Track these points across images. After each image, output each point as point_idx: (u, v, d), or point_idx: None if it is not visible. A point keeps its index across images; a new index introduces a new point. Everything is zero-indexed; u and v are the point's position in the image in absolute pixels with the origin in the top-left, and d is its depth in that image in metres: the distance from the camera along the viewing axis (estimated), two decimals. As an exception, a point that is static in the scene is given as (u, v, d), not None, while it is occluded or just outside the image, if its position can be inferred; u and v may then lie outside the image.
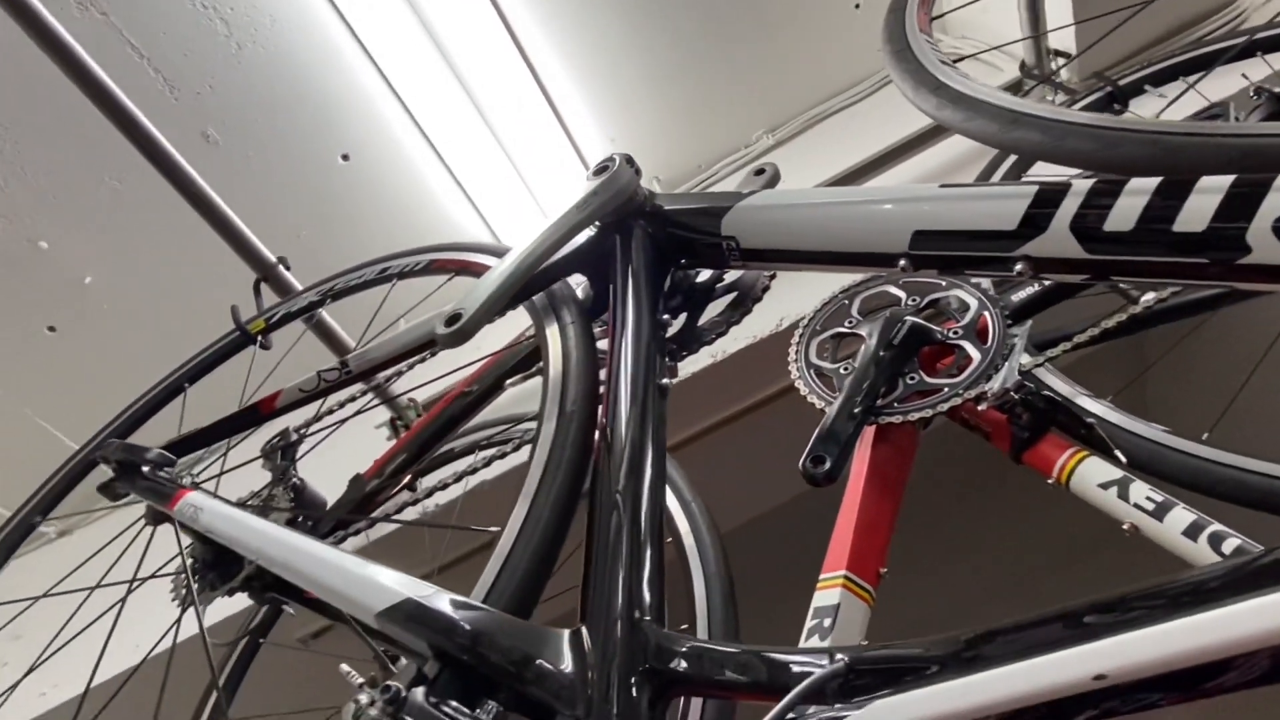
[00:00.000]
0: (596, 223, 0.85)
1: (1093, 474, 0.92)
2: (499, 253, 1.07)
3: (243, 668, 1.20)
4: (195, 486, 0.82)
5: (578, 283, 0.93)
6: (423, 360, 0.94)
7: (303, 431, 1.06)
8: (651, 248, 0.85)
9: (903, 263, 0.67)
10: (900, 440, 1.07)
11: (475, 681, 0.52)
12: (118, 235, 1.92)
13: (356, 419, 1.13)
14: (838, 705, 0.42)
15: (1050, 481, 0.96)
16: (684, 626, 0.98)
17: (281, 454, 0.99)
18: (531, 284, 0.84)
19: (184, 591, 0.85)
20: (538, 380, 0.78)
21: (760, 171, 0.95)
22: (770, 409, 1.51)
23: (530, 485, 0.66)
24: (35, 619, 1.09)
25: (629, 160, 0.85)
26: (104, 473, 0.93)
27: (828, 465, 0.95)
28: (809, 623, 0.91)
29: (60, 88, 1.57)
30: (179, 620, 0.84)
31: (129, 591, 0.84)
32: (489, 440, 1.17)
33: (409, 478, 0.97)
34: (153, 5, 1.69)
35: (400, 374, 0.96)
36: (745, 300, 0.88)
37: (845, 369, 1.08)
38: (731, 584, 1.07)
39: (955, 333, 1.08)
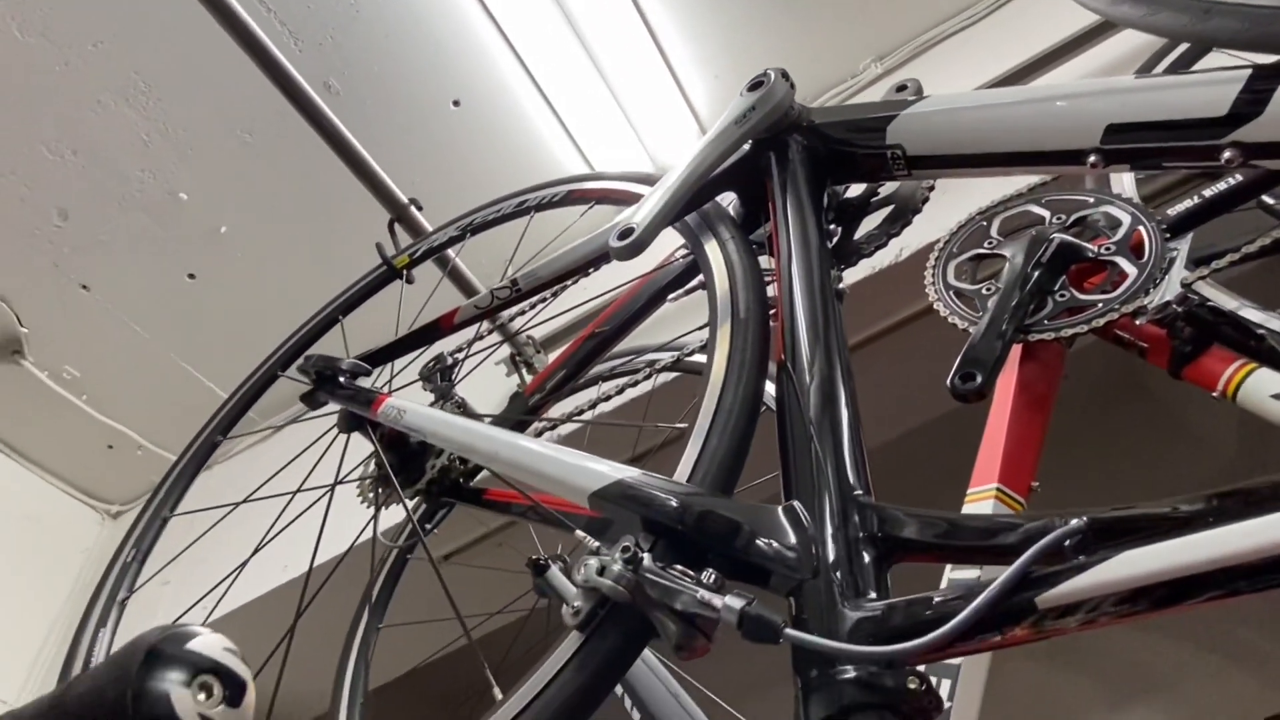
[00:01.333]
0: (749, 140, 0.86)
1: (1264, 386, 0.89)
2: (639, 179, 1.09)
3: (394, 579, 1.30)
4: (392, 393, 0.89)
5: (726, 201, 0.94)
6: (576, 282, 0.98)
7: (455, 355, 1.12)
8: (809, 162, 0.86)
9: (1092, 159, 0.66)
10: (1047, 358, 1.06)
11: (689, 551, 0.56)
12: (248, 186, 2.03)
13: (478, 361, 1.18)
14: (1080, 558, 0.43)
15: (1215, 395, 0.94)
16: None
17: (440, 375, 1.06)
18: (687, 203, 0.86)
19: (373, 494, 0.92)
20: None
21: (902, 88, 0.94)
22: (899, 335, 1.50)
23: (714, 383, 0.69)
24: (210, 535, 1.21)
25: (784, 74, 0.86)
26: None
27: (977, 381, 0.95)
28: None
29: (198, 45, 1.66)
30: (375, 518, 0.91)
31: (330, 492, 0.93)
32: (626, 366, 1.21)
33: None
34: (276, -40, 1.75)
35: (558, 293, 0.99)
36: (904, 212, 0.88)
37: (987, 289, 1.07)
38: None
39: (1107, 249, 1.05)
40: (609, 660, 0.56)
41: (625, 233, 0.77)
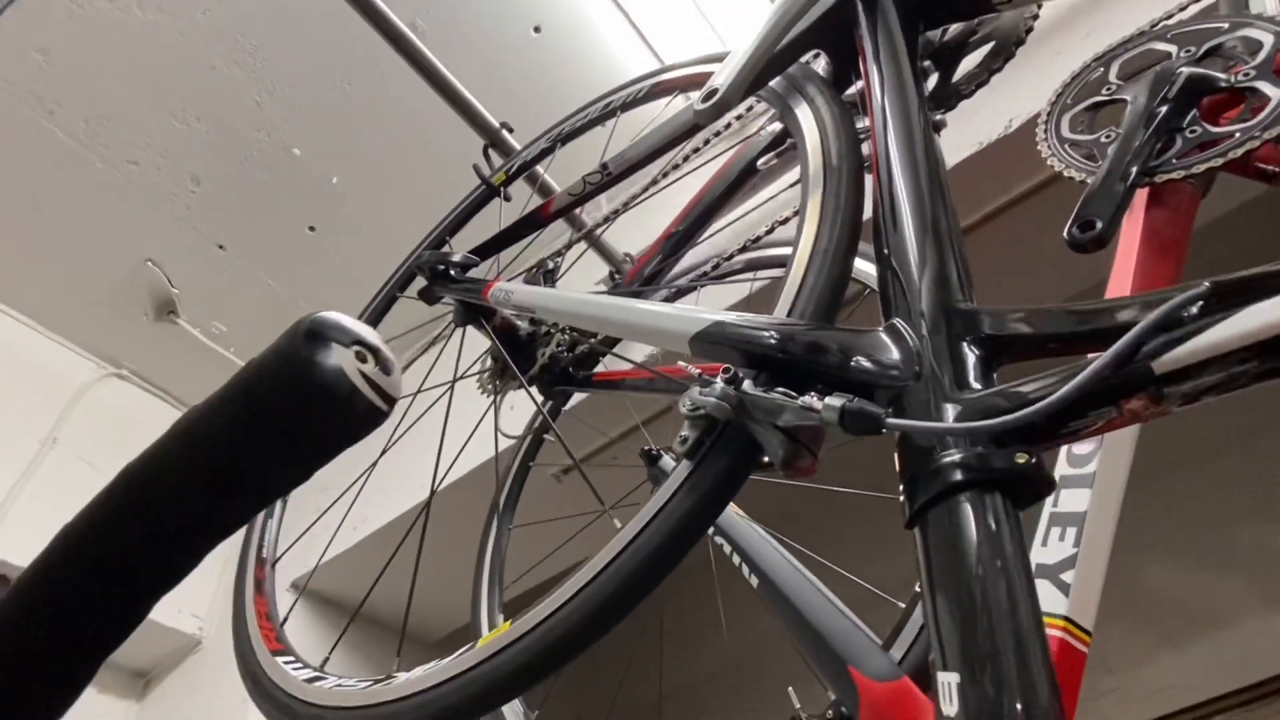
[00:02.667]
0: (832, -7, 0.83)
1: None
2: (721, 59, 1.07)
3: (520, 483, 1.38)
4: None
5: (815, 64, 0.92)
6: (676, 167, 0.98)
7: (556, 259, 1.16)
8: (899, 5, 0.82)
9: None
10: (1178, 202, 0.98)
11: (792, 378, 0.57)
12: (352, 134, 2.14)
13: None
14: (1203, 320, 0.41)
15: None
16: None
17: (544, 278, 1.10)
18: (768, 67, 0.84)
19: (492, 385, 0.98)
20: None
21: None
22: (1015, 213, 1.43)
23: (809, 227, 0.69)
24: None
25: (865, -86, 0.82)
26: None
27: (1098, 229, 0.89)
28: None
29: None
30: (496, 405, 0.97)
31: (450, 389, 0.99)
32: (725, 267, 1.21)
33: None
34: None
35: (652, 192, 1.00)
36: (1006, 46, 0.83)
37: (1107, 136, 1.00)
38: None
39: (1245, 75, 0.95)
40: (718, 482, 0.59)
41: (709, 94, 0.77)
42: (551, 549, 1.26)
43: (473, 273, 1.01)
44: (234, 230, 2.31)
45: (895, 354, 0.53)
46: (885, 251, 0.62)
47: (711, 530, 0.93)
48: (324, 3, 1.72)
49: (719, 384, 0.55)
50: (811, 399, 0.51)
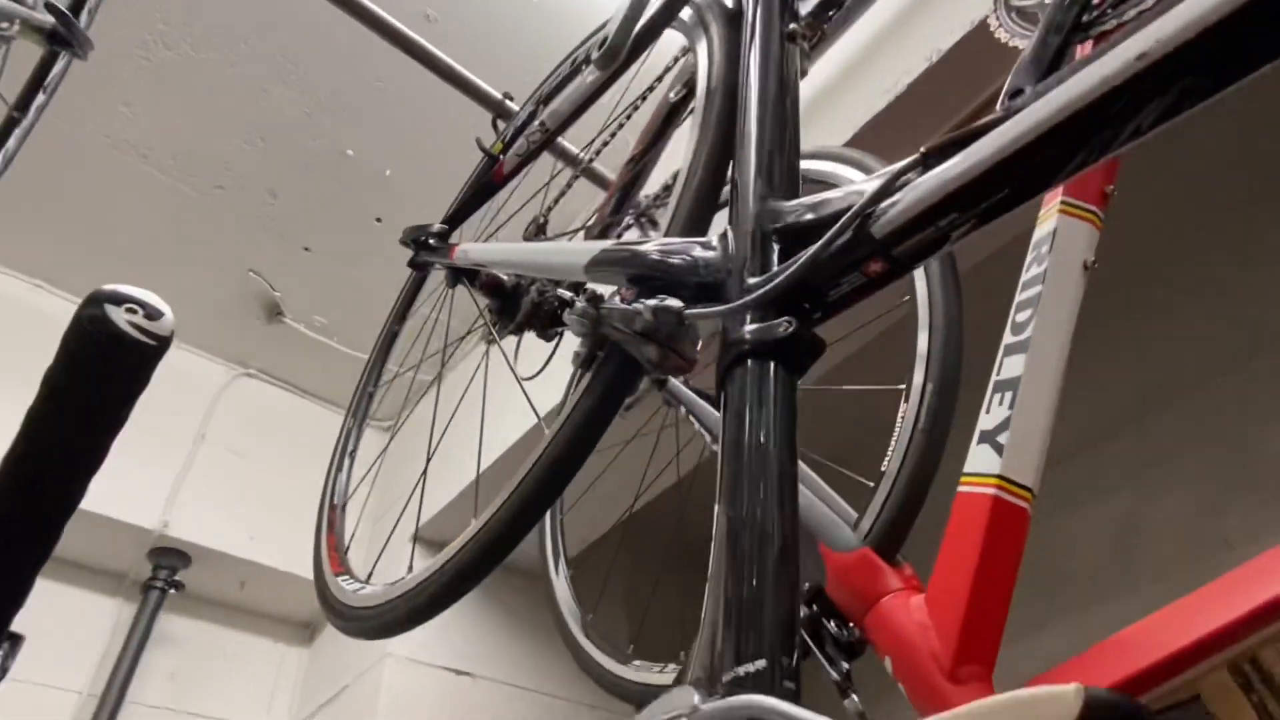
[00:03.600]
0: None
1: None
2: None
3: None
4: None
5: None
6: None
7: (546, 216, 1.26)
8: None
9: None
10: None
11: (653, 287, 0.66)
12: (395, 126, 2.31)
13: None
14: (914, 182, 0.47)
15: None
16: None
17: (537, 232, 1.21)
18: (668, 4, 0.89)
19: (489, 338, 1.12)
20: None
21: None
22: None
23: (689, 144, 0.76)
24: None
25: None
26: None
27: (1025, 94, 0.90)
28: (1028, 257, 0.91)
29: (321, 15, 1.90)
30: (486, 354, 1.11)
31: (445, 349, 1.14)
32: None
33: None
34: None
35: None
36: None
37: (1052, -1, 0.98)
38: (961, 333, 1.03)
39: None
40: (607, 388, 0.69)
41: (601, 43, 0.84)
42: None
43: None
44: (313, 232, 2.57)
45: (717, 255, 0.61)
46: (734, 162, 0.69)
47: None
48: (340, 12, 1.88)
49: (580, 302, 0.65)
50: (639, 305, 0.60)
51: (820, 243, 0.49)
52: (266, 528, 2.56)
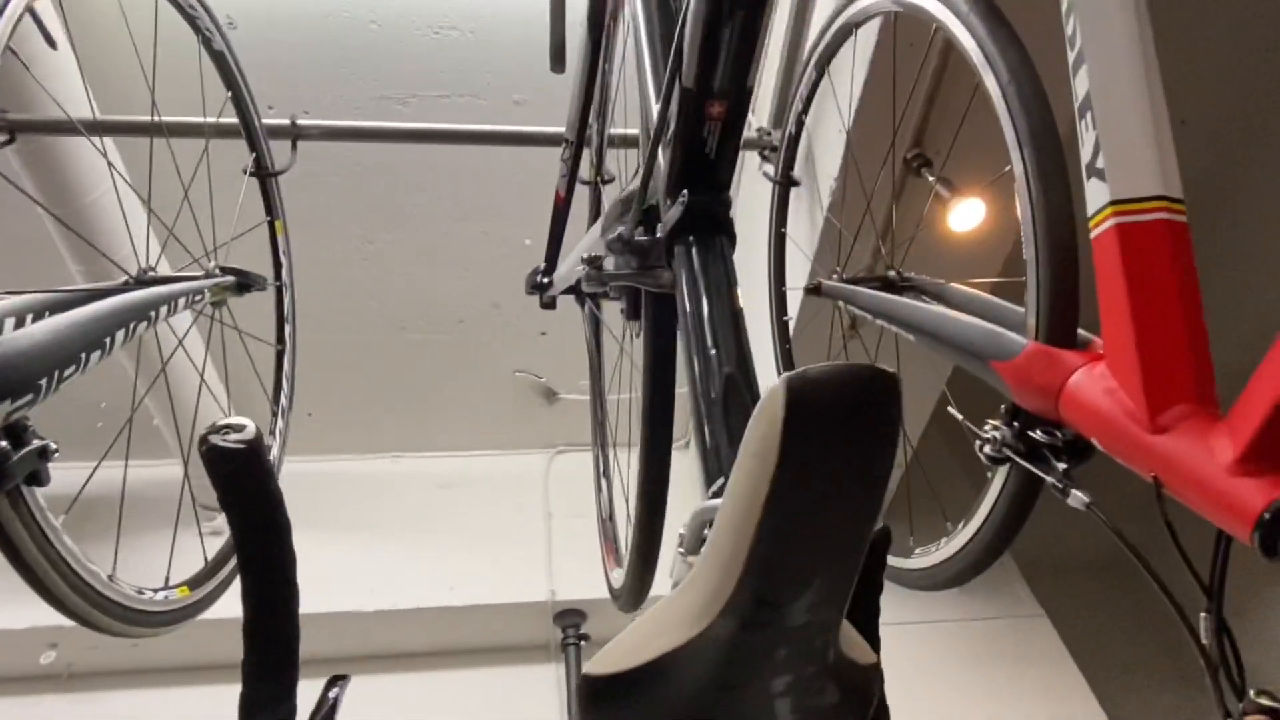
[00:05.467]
0: None
1: None
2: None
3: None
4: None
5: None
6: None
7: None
8: None
9: None
10: None
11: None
12: (528, 202, 2.61)
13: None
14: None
15: None
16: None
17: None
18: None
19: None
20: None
21: None
22: None
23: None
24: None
25: None
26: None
27: None
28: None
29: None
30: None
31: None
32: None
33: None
34: None
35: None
36: None
37: None
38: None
39: None
40: (654, 322, 0.77)
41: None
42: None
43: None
44: (543, 319, 2.94)
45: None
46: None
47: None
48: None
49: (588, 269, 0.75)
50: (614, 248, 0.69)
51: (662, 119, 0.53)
52: (625, 566, 2.92)
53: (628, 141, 1.26)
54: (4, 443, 0.71)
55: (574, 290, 1.14)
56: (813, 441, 0.30)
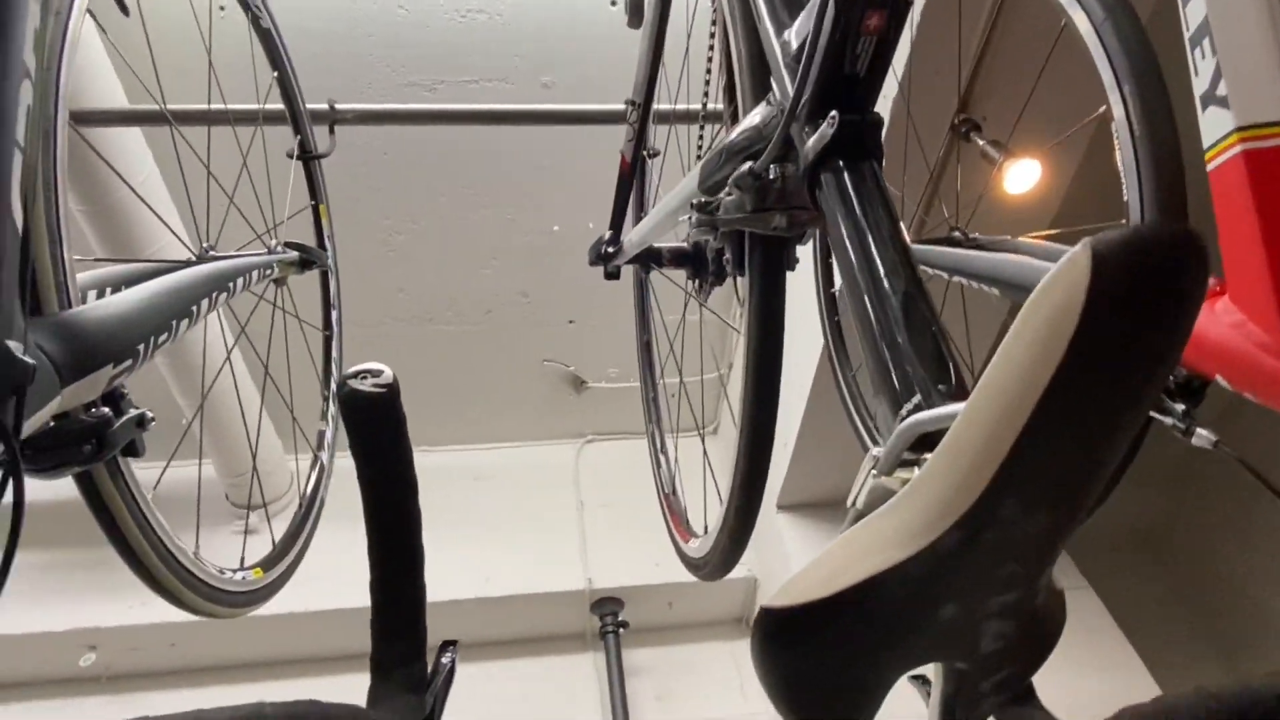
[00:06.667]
0: None
1: None
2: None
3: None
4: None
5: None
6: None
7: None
8: None
9: None
10: None
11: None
12: (554, 203, 2.59)
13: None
14: None
15: None
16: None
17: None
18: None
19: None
20: None
21: None
22: None
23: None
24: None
25: None
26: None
27: None
28: None
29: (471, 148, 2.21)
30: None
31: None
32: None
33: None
34: None
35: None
36: None
37: None
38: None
39: None
40: (763, 275, 0.75)
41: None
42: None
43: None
44: (571, 307, 2.93)
45: (771, 106, 0.65)
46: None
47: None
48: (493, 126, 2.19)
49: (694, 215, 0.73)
50: (728, 188, 0.66)
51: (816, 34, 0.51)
52: (660, 552, 2.90)
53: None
54: (106, 408, 0.69)
55: (642, 258, 1.12)
56: (1122, 317, 0.27)
